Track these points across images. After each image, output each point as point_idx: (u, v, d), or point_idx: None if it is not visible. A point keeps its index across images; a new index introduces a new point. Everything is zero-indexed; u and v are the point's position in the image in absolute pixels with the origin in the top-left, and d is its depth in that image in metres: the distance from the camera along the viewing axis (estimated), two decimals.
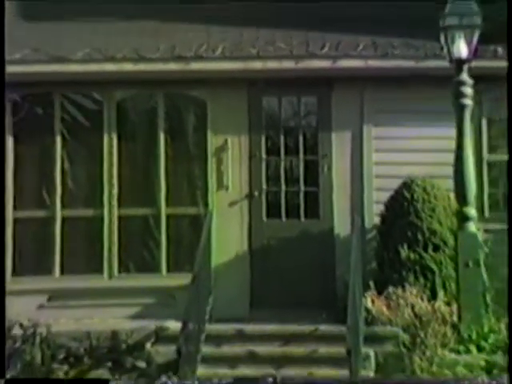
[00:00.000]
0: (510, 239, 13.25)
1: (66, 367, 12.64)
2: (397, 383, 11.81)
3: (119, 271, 14.88)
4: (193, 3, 15.88)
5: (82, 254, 15.03)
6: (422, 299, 12.72)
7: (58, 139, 15.08)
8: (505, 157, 14.46)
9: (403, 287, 12.97)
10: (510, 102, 14.09)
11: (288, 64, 14.82)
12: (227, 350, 12.66)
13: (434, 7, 13.32)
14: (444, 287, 13.24)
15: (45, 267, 14.85)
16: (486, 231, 13.63)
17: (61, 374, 12.48)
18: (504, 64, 13.80)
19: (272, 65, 14.83)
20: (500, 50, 14.36)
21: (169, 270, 14.82)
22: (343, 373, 11.46)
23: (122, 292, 14.53)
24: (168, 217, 14.96)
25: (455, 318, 12.59)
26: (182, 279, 13.38)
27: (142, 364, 12.72)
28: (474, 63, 13.34)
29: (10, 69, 14.32)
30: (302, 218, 14.96)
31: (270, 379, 11.27)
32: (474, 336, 12.49)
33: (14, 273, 14.85)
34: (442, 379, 11.47)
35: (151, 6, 15.87)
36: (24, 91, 15.19)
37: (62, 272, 14.88)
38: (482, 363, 12.04)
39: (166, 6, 15.79)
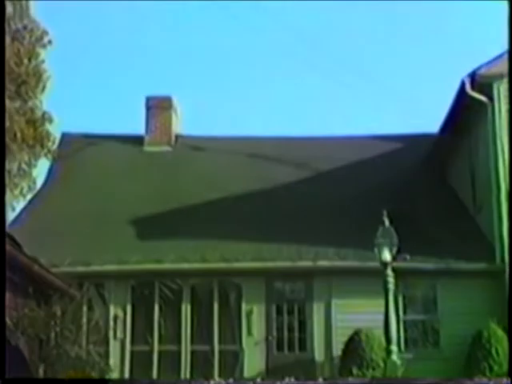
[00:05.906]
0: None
1: None
2: None
3: (191, 377, 15.43)
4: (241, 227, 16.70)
5: (169, 370, 15.58)
6: None
7: (156, 306, 15.97)
8: (414, 317, 15.39)
9: None
10: None
11: (288, 264, 15.88)
12: None
13: (374, 235, 13.56)
14: None
15: (149, 376, 15.53)
16: (402, 358, 13.64)
17: None
18: (409, 265, 14.90)
19: (279, 264, 15.87)
20: (408, 257, 14.97)
21: (219, 375, 15.19)
22: None
23: None
24: (220, 351, 15.64)
25: None
26: None
27: None
28: (394, 264, 13.68)
29: (130, 267, 15.69)
30: (297, 351, 15.74)
31: None
32: None
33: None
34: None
35: (215, 227, 16.66)
36: (139, 280, 16.10)
37: (158, 376, 15.49)
38: None
39: (222, 228, 16.67)
